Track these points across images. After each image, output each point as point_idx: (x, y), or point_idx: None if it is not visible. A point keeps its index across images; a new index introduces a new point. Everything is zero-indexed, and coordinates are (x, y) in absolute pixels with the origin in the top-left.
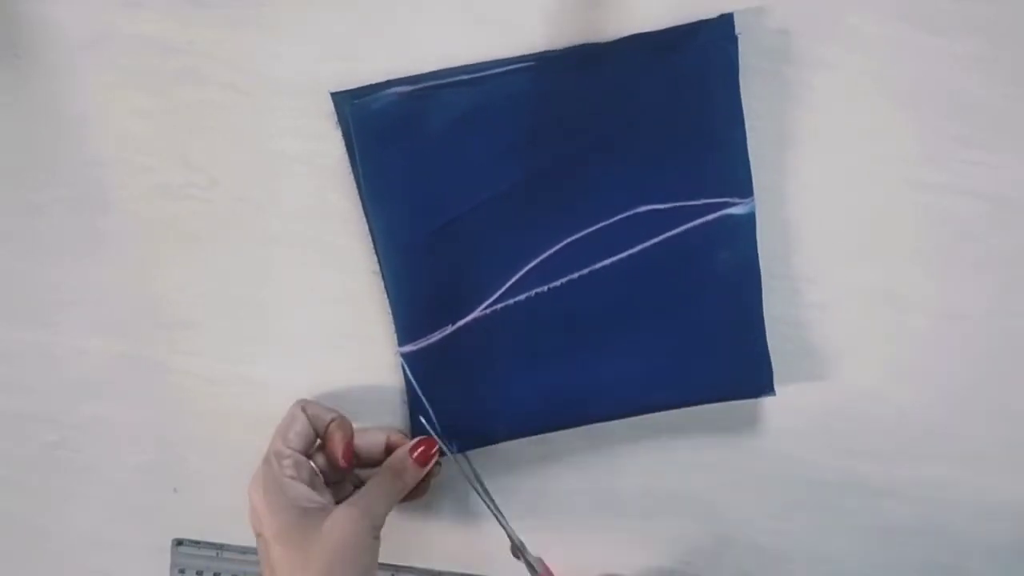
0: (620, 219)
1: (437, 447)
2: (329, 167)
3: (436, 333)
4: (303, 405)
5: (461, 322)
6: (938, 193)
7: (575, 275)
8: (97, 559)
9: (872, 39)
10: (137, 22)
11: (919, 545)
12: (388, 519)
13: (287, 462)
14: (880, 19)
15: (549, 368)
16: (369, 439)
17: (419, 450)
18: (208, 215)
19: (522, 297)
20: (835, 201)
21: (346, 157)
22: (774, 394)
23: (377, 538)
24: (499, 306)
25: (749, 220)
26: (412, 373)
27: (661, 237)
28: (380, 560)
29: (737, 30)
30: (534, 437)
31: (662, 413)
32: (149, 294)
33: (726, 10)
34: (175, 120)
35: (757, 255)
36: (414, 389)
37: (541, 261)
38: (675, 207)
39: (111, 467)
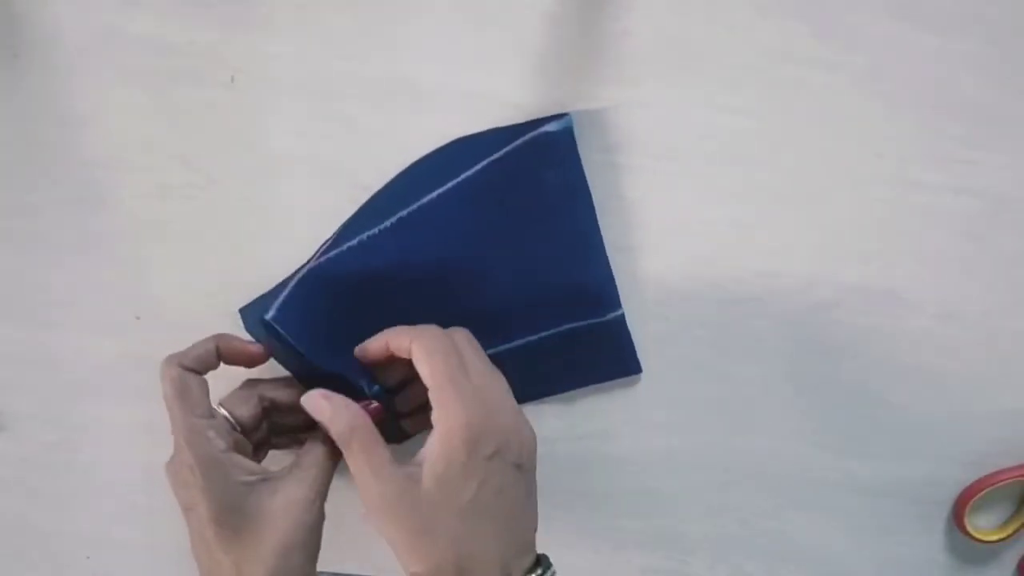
0: (442, 153)
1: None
2: (329, 167)
3: (283, 290)
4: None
5: (299, 275)
6: (938, 193)
7: (404, 213)
8: (97, 559)
9: (872, 39)
10: (137, 22)
11: (919, 545)
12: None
13: (211, 433)
14: (880, 19)
15: (393, 309)
16: (283, 389)
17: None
18: (207, 215)
19: (354, 242)
20: (835, 201)
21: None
22: (620, 311)
23: (324, 514)
24: (332, 253)
25: (568, 136)
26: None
27: (484, 162)
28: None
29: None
30: None
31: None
32: (149, 294)
33: None
34: (174, 120)
35: (583, 173)
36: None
37: (370, 204)
38: (493, 132)
39: (111, 467)
